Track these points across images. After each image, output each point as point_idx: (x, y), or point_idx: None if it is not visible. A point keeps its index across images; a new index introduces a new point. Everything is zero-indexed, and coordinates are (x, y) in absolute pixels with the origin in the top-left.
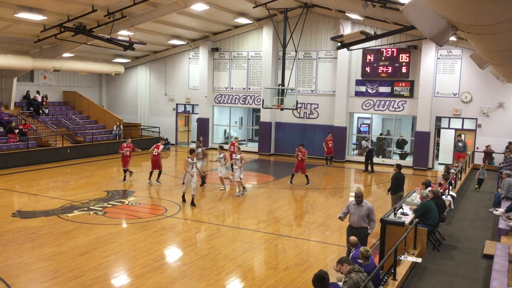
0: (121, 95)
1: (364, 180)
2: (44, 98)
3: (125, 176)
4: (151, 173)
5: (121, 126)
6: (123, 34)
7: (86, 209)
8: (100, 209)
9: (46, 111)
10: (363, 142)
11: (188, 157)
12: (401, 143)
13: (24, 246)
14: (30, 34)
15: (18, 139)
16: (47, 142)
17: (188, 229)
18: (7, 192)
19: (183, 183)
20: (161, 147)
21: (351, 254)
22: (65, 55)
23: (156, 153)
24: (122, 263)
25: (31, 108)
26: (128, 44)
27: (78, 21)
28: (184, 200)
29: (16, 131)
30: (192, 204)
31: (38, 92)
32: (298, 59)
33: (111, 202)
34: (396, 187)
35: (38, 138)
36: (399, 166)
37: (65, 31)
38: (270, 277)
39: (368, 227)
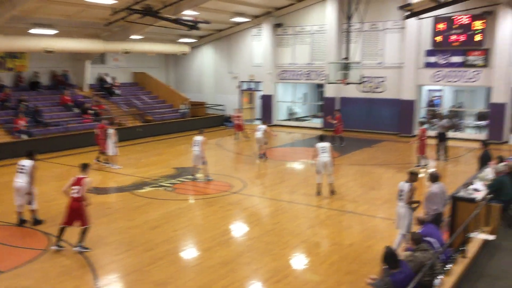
0: (187, 75)
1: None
2: (115, 80)
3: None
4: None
5: (188, 105)
6: (188, 14)
7: (156, 185)
8: (170, 185)
9: (118, 92)
10: (444, 121)
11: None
12: (483, 116)
13: (99, 221)
14: (101, 18)
15: (92, 119)
16: (120, 122)
17: (253, 205)
18: None
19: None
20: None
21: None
22: (134, 37)
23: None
24: (191, 236)
25: (104, 90)
26: (193, 24)
27: (145, 3)
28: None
29: (91, 112)
30: (333, 193)
31: (107, 74)
32: (364, 31)
33: (179, 179)
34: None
35: (111, 118)
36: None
37: (132, 13)
38: (335, 253)
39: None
